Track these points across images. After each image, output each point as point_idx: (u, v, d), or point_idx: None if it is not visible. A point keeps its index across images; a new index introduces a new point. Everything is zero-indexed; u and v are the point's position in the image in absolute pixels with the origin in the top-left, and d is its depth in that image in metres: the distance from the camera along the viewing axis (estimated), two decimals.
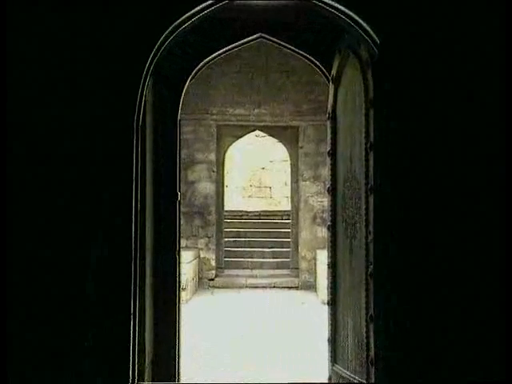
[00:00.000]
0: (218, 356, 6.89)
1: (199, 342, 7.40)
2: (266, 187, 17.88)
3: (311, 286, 11.67)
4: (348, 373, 4.53)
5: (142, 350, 4.38)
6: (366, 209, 4.18)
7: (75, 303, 3.68)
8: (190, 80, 5.49)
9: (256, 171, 17.91)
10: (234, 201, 16.69)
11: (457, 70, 3.78)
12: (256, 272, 12.57)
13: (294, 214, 12.29)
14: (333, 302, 4.92)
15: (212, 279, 11.95)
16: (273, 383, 5.83)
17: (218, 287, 11.83)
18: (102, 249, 3.71)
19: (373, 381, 4.09)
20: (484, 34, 3.76)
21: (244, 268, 12.76)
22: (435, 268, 3.75)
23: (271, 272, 12.54)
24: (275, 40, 5.52)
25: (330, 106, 5.03)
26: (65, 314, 3.67)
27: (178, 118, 5.42)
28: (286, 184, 16.64)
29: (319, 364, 5.75)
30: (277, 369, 6.38)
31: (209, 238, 11.97)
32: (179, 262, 5.38)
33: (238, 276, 12.26)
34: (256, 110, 11.95)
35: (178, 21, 3.87)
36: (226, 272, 12.37)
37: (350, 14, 3.88)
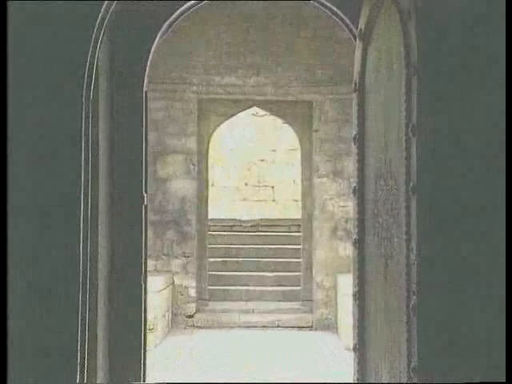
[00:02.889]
0: None
1: None
2: (266, 186, 17.91)
3: (330, 326, 11.69)
4: None
5: None
6: (407, 216, 4.18)
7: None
8: (161, 38, 5.50)
9: (253, 165, 17.94)
10: (222, 206, 16.71)
11: None
12: (253, 305, 12.58)
13: (306, 225, 12.30)
14: (360, 348, 4.93)
15: (191, 316, 11.96)
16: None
17: (200, 326, 11.84)
18: (31, 275, 3.70)
19: None
20: None
21: (236, 300, 12.77)
22: (499, 300, 3.75)
23: (274, 306, 12.55)
24: None
25: (356, 73, 5.04)
26: None
27: (144, 89, 5.42)
28: (294, 182, 16.67)
29: None
30: None
31: (187, 257, 11.97)
32: (145, 292, 5.38)
33: (227, 311, 12.27)
34: (253, 79, 11.96)
35: None
36: (211, 305, 12.38)
37: None
